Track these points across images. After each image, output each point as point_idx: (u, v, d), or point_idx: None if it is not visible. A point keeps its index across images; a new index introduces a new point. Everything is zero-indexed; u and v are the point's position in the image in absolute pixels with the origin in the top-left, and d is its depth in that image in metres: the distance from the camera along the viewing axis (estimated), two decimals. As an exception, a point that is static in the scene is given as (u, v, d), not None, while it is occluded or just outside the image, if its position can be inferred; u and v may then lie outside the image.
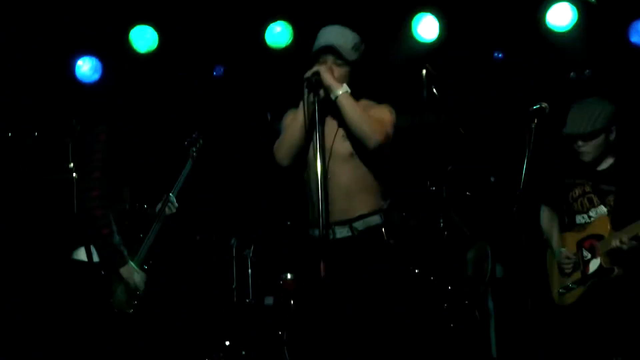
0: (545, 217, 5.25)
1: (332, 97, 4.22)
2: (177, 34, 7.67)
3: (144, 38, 7.56)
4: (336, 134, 4.33)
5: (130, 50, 7.57)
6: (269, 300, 7.34)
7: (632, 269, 4.86)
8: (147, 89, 5.48)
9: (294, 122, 4.32)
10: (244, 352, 7.10)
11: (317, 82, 4.18)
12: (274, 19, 7.64)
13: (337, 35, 4.32)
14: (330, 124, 4.33)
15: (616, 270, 4.85)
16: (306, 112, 4.20)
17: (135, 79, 7.37)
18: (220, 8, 7.59)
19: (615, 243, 4.78)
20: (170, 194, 5.41)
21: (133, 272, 5.03)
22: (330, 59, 4.30)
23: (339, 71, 4.28)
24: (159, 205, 5.38)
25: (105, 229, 4.91)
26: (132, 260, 5.08)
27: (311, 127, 4.21)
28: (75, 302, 5.05)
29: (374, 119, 4.25)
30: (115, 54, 7.68)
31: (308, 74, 4.20)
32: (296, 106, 4.42)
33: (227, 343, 7.23)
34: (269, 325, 7.14)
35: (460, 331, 6.79)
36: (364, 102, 4.40)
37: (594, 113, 4.85)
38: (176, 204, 5.42)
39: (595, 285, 4.92)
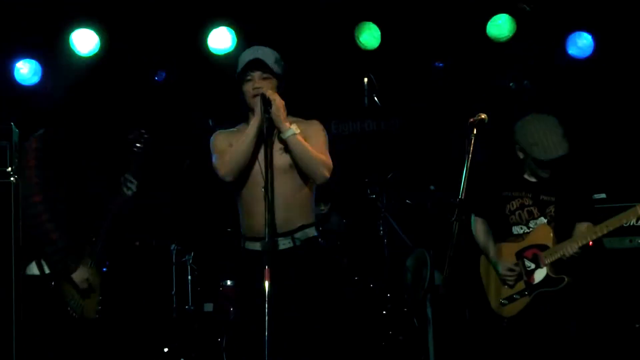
0: (479, 228, 5.27)
1: (283, 136, 4.36)
2: (119, 38, 7.61)
3: (85, 41, 7.49)
4: (273, 147, 4.39)
5: (71, 53, 7.49)
6: (209, 307, 7.32)
7: (578, 276, 4.95)
8: (88, 91, 5.42)
9: (241, 141, 4.37)
10: (182, 359, 7.06)
11: (267, 104, 4.29)
12: (216, 24, 7.63)
13: (260, 52, 4.45)
14: (272, 140, 4.40)
15: (566, 279, 4.92)
16: (256, 127, 4.33)
17: (75, 82, 7.33)
18: (162, 12, 7.55)
19: (566, 252, 4.86)
20: (127, 174, 5.32)
21: (86, 275, 4.99)
22: (257, 74, 4.41)
23: (267, 84, 4.41)
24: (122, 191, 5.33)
25: (53, 233, 4.87)
26: (85, 262, 5.04)
27: (259, 142, 4.34)
28: (31, 317, 4.99)
29: (322, 158, 4.40)
30: (56, 56, 7.60)
31: (266, 97, 4.31)
32: (238, 113, 4.49)
33: (166, 350, 7.18)
34: (208, 332, 7.12)
35: (399, 338, 6.83)
36: (292, 119, 4.46)
37: (559, 134, 4.89)
38: (135, 181, 5.33)
39: (541, 295, 4.97)
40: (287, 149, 4.39)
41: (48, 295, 4.91)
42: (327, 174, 4.39)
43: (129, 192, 5.30)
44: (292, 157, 4.39)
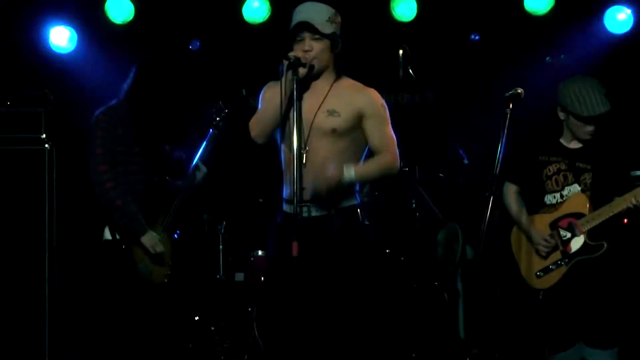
0: (512, 196, 5.21)
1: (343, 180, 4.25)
2: (153, 6, 7.61)
3: (119, 9, 7.50)
4: (318, 109, 4.30)
5: (106, 21, 7.51)
6: (240, 277, 7.35)
7: (616, 243, 4.92)
8: (162, 66, 5.46)
9: (270, 99, 4.30)
10: (213, 328, 7.10)
11: (296, 62, 4.17)
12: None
13: (310, 11, 4.32)
14: (311, 101, 4.30)
15: (605, 245, 4.90)
16: (284, 90, 4.18)
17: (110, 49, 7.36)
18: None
19: (629, 203, 4.79)
20: (198, 162, 5.48)
21: (155, 240, 5.12)
22: (307, 35, 4.28)
23: (318, 46, 4.28)
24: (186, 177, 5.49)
25: (119, 200, 5.05)
26: (157, 229, 5.22)
27: (289, 105, 4.19)
28: (104, 279, 5.21)
29: (387, 164, 4.38)
30: (90, 24, 7.62)
31: (291, 55, 4.19)
32: (274, 80, 4.42)
33: (197, 318, 7.23)
34: (239, 302, 7.15)
35: (429, 312, 6.82)
36: (347, 82, 4.40)
37: (601, 93, 4.87)
38: (205, 169, 5.49)
39: (579, 263, 4.94)
40: (336, 113, 4.30)
41: (118, 258, 5.11)
42: (397, 170, 4.43)
43: (200, 175, 5.45)
44: (322, 116, 4.30)
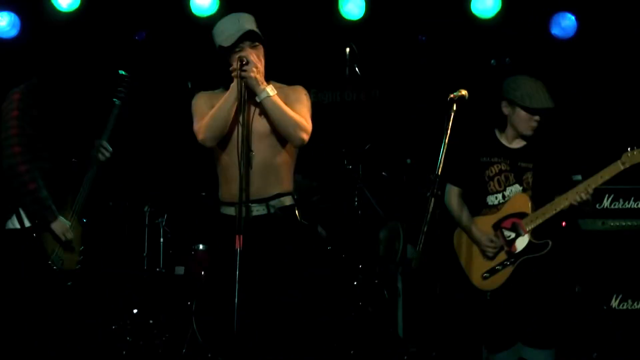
0: (454, 198, 5.25)
1: (257, 99, 4.32)
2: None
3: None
4: (254, 112, 4.38)
5: (51, 8, 7.41)
6: (180, 270, 7.31)
7: (559, 242, 4.99)
8: (67, 46, 5.37)
9: (219, 105, 4.33)
10: (151, 321, 7.05)
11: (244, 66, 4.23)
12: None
13: (243, 22, 4.39)
14: (251, 105, 4.36)
15: (550, 242, 4.96)
16: (238, 94, 4.26)
17: (54, 36, 7.25)
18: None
19: (577, 196, 4.85)
20: (101, 140, 5.34)
21: (65, 227, 5.01)
22: (247, 44, 4.36)
23: (258, 53, 4.36)
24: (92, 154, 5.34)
25: (32, 184, 4.90)
26: (66, 214, 5.09)
27: (238, 109, 4.28)
28: (13, 270, 5.02)
29: (298, 119, 4.35)
30: (35, 10, 7.52)
31: (241, 58, 4.24)
32: (218, 77, 4.44)
33: (135, 311, 7.17)
34: (179, 295, 7.12)
35: (368, 309, 6.85)
36: (275, 85, 4.44)
37: (546, 90, 4.97)
38: (110, 149, 5.36)
39: (525, 262, 4.99)
40: (265, 112, 4.35)
41: (29, 247, 4.95)
42: (305, 137, 4.36)
43: (103, 158, 5.33)
44: (269, 120, 4.35)
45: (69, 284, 5.13)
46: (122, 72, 5.58)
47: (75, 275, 5.16)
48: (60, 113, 5.11)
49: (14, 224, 4.99)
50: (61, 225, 5.02)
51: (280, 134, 4.36)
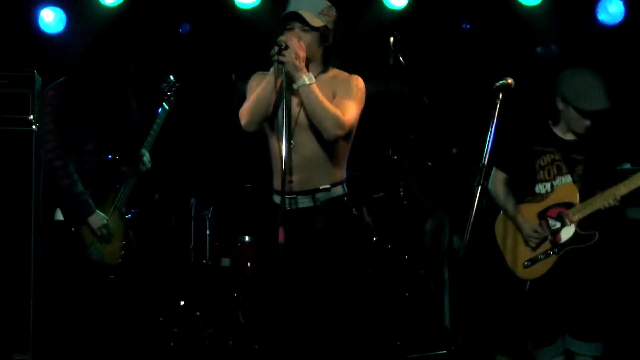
0: (501, 185, 5.17)
1: (295, 86, 4.21)
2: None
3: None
4: (297, 101, 4.30)
5: (96, 3, 7.47)
6: (226, 262, 7.33)
7: (607, 233, 4.92)
8: (114, 41, 5.41)
9: (261, 87, 4.29)
10: (198, 313, 7.09)
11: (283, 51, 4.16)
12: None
13: (302, 2, 4.31)
14: (296, 94, 4.30)
15: (597, 235, 4.90)
16: (276, 78, 4.18)
17: (100, 31, 7.31)
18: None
19: (605, 202, 4.82)
20: (144, 150, 5.40)
21: (102, 221, 5.06)
22: (297, 25, 4.27)
23: (306, 37, 4.26)
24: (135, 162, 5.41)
25: (66, 179, 4.99)
26: (107, 209, 5.16)
27: (278, 97, 4.21)
28: (54, 260, 5.11)
29: (334, 112, 4.21)
30: (81, 5, 7.58)
31: (280, 42, 4.16)
32: (263, 69, 4.39)
33: (182, 303, 7.21)
34: (225, 287, 7.14)
35: (415, 301, 6.83)
36: (333, 73, 4.39)
37: (603, 88, 4.88)
38: (149, 163, 5.42)
39: (570, 253, 4.94)
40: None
41: (68, 239, 5.05)
42: (338, 131, 4.20)
43: (143, 169, 5.38)
44: (305, 110, 4.26)
45: (111, 277, 5.17)
46: (171, 77, 5.62)
47: (117, 269, 5.20)
48: (101, 109, 5.16)
49: (57, 216, 5.08)
50: (98, 219, 5.07)
51: (314, 125, 4.26)
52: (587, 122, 4.92)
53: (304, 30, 4.27)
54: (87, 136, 5.10)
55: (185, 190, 7.57)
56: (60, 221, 5.09)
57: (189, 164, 7.73)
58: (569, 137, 5.05)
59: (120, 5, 7.52)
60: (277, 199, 4.39)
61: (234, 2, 7.65)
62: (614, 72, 7.25)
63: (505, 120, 4.26)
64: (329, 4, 4.37)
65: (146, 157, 5.41)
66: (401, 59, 6.69)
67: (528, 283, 5.01)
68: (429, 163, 7.15)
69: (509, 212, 5.12)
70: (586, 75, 4.95)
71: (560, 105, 4.99)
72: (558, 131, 5.08)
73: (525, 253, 5.05)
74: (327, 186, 4.35)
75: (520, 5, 7.61)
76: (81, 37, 5.25)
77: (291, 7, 4.30)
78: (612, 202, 4.83)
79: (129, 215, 5.36)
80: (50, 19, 7.50)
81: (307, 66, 4.28)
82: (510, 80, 4.34)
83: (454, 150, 6.90)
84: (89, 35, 5.31)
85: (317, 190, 4.33)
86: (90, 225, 5.05)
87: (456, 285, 6.90)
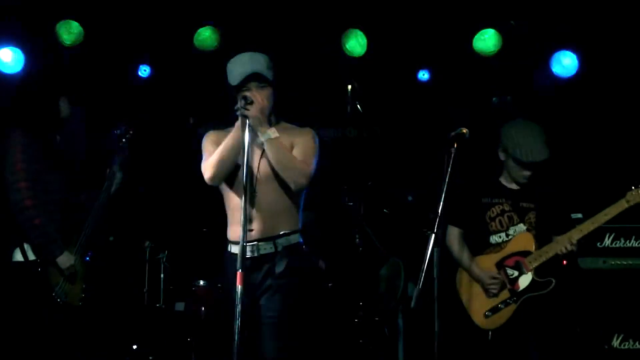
0: (455, 238, 5.25)
1: (260, 140, 4.34)
2: (104, 30, 7.59)
3: (69, 31, 7.47)
4: (262, 154, 4.40)
5: (56, 42, 7.46)
6: (180, 306, 7.29)
7: (560, 280, 5.00)
8: (72, 81, 5.41)
9: (227, 141, 4.36)
10: (151, 357, 7.02)
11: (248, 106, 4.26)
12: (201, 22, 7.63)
13: (254, 62, 4.41)
14: (255, 147, 4.36)
15: (554, 281, 4.97)
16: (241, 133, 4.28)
17: (60, 72, 7.29)
18: (151, 8, 7.55)
19: (562, 247, 4.92)
20: (114, 167, 5.37)
21: (71, 261, 5.03)
22: (253, 84, 4.38)
23: (264, 93, 4.36)
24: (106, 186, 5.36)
25: (38, 219, 4.96)
26: (71, 249, 5.11)
27: (242, 148, 4.28)
28: (16, 305, 5.07)
29: (299, 162, 4.37)
30: (39, 45, 7.56)
31: (246, 96, 4.27)
32: (220, 114, 4.47)
33: (135, 347, 7.14)
34: (179, 332, 7.08)
35: (369, 347, 6.82)
36: (284, 126, 4.49)
37: (542, 140, 4.98)
38: (121, 175, 5.38)
39: (528, 300, 5.01)
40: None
41: (33, 280, 5.01)
42: (304, 181, 4.37)
43: (115, 186, 5.35)
44: (270, 162, 4.36)
45: (71, 318, 5.13)
46: (122, 126, 5.61)
47: (78, 310, 5.16)
48: (66, 147, 5.15)
49: (16, 257, 5.02)
50: (67, 259, 5.04)
51: (280, 177, 4.36)
52: (527, 173, 5.04)
53: (261, 88, 4.37)
54: (52, 175, 5.08)
55: (140, 233, 7.53)
56: (20, 262, 5.02)
57: (144, 206, 7.69)
58: (514, 186, 5.15)
59: (79, 45, 7.51)
60: (234, 249, 4.42)
61: (193, 46, 7.68)
62: (567, 123, 7.42)
63: (457, 173, 4.31)
64: (268, 57, 4.48)
65: (118, 172, 5.38)
66: (359, 106, 6.76)
67: (490, 333, 5.06)
68: (385, 210, 7.19)
69: (464, 265, 5.18)
70: (525, 127, 5.07)
71: (502, 156, 5.12)
72: (504, 181, 5.18)
73: (485, 303, 5.10)
74: (288, 231, 4.43)
75: (477, 55, 7.71)
76: (38, 77, 5.20)
77: (245, 69, 4.37)
78: (569, 247, 4.95)
79: (87, 258, 5.32)
80: (8, 59, 7.47)
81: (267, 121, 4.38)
82: (464, 130, 4.40)
83: (410, 198, 6.95)
84: (45, 75, 5.26)
85: (279, 236, 4.41)
86: (58, 265, 5.01)
87: (410, 332, 6.91)
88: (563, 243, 4.95)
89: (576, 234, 4.96)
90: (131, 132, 5.60)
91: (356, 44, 7.71)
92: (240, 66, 4.40)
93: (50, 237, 4.98)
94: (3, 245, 5.30)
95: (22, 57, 7.50)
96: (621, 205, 4.92)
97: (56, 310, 5.03)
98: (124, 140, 5.55)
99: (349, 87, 6.76)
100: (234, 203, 4.43)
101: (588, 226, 4.96)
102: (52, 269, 5.03)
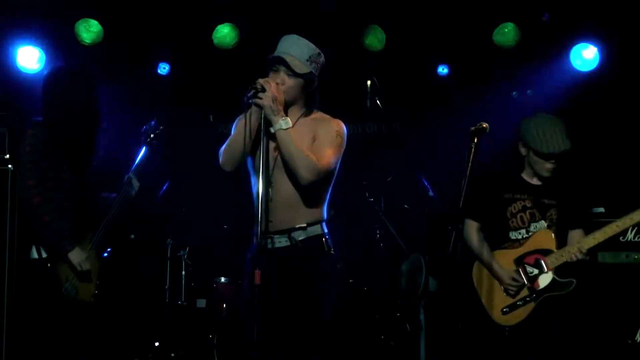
0: (474, 233, 5.20)
1: (272, 130, 4.25)
2: (123, 29, 7.62)
3: (89, 30, 7.51)
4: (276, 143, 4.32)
5: (75, 42, 7.49)
6: (201, 303, 7.31)
7: (581, 280, 4.96)
8: (93, 79, 5.41)
9: (237, 129, 4.32)
10: (173, 354, 7.04)
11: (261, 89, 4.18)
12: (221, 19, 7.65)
13: (293, 47, 4.34)
14: (267, 130, 4.31)
15: (575, 282, 4.94)
16: (249, 120, 4.21)
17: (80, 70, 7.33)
18: (170, 5, 7.57)
19: (574, 255, 4.89)
20: (131, 174, 5.38)
21: (82, 258, 5.04)
22: (282, 68, 4.31)
23: (290, 82, 4.30)
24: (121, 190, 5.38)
25: (46, 216, 4.95)
26: (84, 246, 5.10)
27: (257, 136, 4.23)
28: (29, 299, 5.10)
29: (308, 157, 4.23)
30: (59, 44, 7.59)
31: (256, 84, 4.19)
32: (241, 111, 4.42)
33: (157, 344, 7.17)
34: (200, 328, 7.11)
35: (390, 343, 6.81)
36: (315, 115, 4.42)
37: (563, 131, 4.94)
38: (138, 183, 5.39)
39: (547, 300, 4.97)
40: None
41: (43, 277, 5.01)
42: (309, 177, 4.21)
43: (133, 192, 5.36)
44: (280, 154, 4.29)
45: (84, 314, 5.14)
46: (153, 121, 5.62)
47: (90, 307, 5.17)
48: (81, 147, 5.15)
49: (32, 254, 5.05)
50: (78, 255, 5.04)
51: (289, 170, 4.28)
52: (549, 165, 4.99)
53: (289, 75, 4.30)
54: (65, 173, 5.09)
55: (162, 230, 7.55)
56: (34, 259, 5.06)
57: (166, 204, 7.72)
58: (536, 181, 5.10)
59: (99, 44, 7.55)
60: (254, 239, 4.37)
61: (212, 43, 7.69)
62: (587, 117, 7.37)
63: (477, 167, 4.29)
64: (317, 50, 4.39)
65: (134, 179, 5.39)
66: (378, 102, 6.74)
67: (507, 329, 5.03)
68: (406, 205, 7.18)
69: (484, 260, 5.13)
70: (545, 119, 5.03)
71: (523, 150, 5.07)
72: (525, 176, 5.13)
73: (503, 299, 5.07)
74: (304, 225, 4.35)
75: (497, 48, 7.69)
76: (59, 77, 5.21)
77: (280, 50, 4.33)
78: (579, 256, 4.90)
79: (105, 254, 5.33)
80: (29, 59, 7.50)
81: (288, 109, 4.33)
82: (485, 125, 4.37)
83: (431, 193, 6.93)
84: (67, 75, 5.26)
85: (294, 229, 4.33)
86: (70, 261, 5.03)
87: (432, 328, 6.89)
88: (572, 252, 4.91)
89: (586, 244, 4.91)
90: (161, 128, 5.61)
91: (374, 39, 7.71)
92: (282, 43, 4.36)
93: (59, 233, 4.98)
94: (23, 243, 5.33)
95: (43, 57, 7.55)
96: (637, 216, 4.89)
97: (65, 306, 5.05)
98: (152, 135, 5.56)
99: (368, 82, 6.74)
100: (255, 192, 4.35)
101: (601, 236, 4.90)
102: (63, 265, 5.05)
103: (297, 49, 4.33)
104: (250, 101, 4.17)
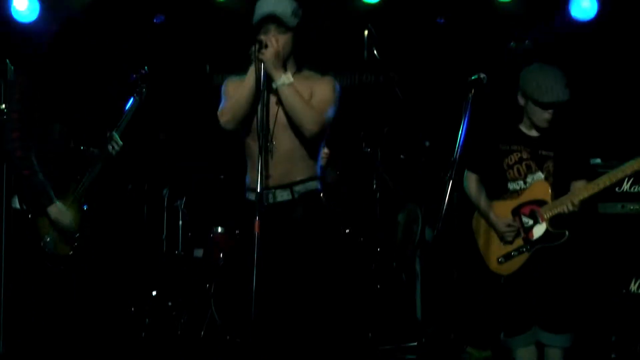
0: (473, 184, 5.24)
1: (273, 85, 4.29)
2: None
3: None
4: (279, 101, 4.35)
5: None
6: (198, 253, 7.34)
7: (577, 231, 4.98)
8: (87, 29, 5.37)
9: (243, 86, 4.32)
10: (170, 303, 7.09)
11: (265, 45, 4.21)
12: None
13: (277, 4, 4.34)
14: (274, 92, 4.33)
15: (567, 233, 4.96)
16: (256, 73, 4.23)
17: (74, 20, 7.27)
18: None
19: (566, 207, 4.90)
20: (114, 132, 5.36)
21: (61, 212, 5.02)
22: (272, 27, 4.32)
23: (283, 39, 4.31)
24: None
25: (27, 170, 4.92)
26: (66, 200, 5.08)
27: (257, 93, 4.25)
28: (8, 249, 5.07)
29: (313, 109, 4.31)
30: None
31: (260, 40, 4.22)
32: (237, 61, 4.42)
33: (154, 293, 7.21)
34: (197, 278, 7.15)
35: (386, 293, 6.85)
36: (306, 74, 4.44)
37: (562, 81, 4.92)
38: (120, 143, 5.37)
39: (541, 250, 5.00)
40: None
41: (23, 228, 5.00)
42: (315, 128, 4.29)
43: (113, 152, 5.34)
44: (283, 108, 4.33)
45: (61, 268, 5.13)
46: (145, 68, 5.58)
47: (69, 260, 5.16)
48: (68, 99, 5.13)
49: (15, 204, 5.03)
50: (57, 210, 5.02)
51: (294, 124, 4.32)
52: (547, 115, 4.97)
53: (280, 32, 4.31)
54: (53, 123, 5.06)
55: (158, 180, 7.55)
56: (16, 209, 5.04)
57: (162, 154, 7.71)
58: (534, 133, 5.09)
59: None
60: (251, 196, 4.39)
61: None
62: (586, 68, 7.34)
63: (474, 118, 4.29)
64: (297, 3, 4.42)
65: (116, 138, 5.37)
66: (375, 52, 6.70)
67: (502, 278, 5.08)
68: (402, 156, 7.18)
69: (482, 210, 5.17)
70: (545, 69, 5.00)
71: (521, 101, 5.06)
72: (523, 128, 5.13)
73: (499, 249, 5.10)
74: (305, 178, 4.41)
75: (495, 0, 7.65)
76: (52, 24, 5.16)
77: (266, 10, 4.32)
78: (571, 207, 4.91)
79: (85, 207, 5.29)
80: (24, 7, 7.44)
81: (283, 67, 4.34)
82: (482, 75, 4.36)
83: (427, 143, 6.92)
84: (60, 22, 5.21)
85: (296, 183, 4.39)
86: (49, 215, 5.02)
87: (428, 277, 6.94)
88: (565, 203, 4.93)
89: (578, 195, 4.92)
90: (149, 76, 5.58)
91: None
92: (263, 6, 4.35)
93: (39, 187, 4.95)
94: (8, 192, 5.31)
95: (37, 5, 7.48)
96: (630, 168, 4.89)
97: (43, 259, 5.04)
98: (141, 84, 5.54)
99: (365, 32, 6.70)
100: (252, 150, 4.40)
101: (593, 187, 4.91)
102: (43, 219, 5.04)
103: (279, 6, 4.33)
104: (254, 56, 4.20)
